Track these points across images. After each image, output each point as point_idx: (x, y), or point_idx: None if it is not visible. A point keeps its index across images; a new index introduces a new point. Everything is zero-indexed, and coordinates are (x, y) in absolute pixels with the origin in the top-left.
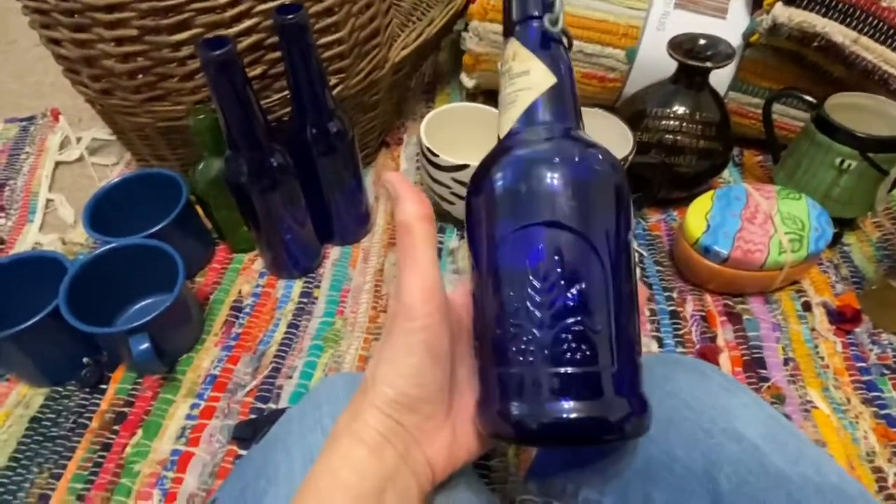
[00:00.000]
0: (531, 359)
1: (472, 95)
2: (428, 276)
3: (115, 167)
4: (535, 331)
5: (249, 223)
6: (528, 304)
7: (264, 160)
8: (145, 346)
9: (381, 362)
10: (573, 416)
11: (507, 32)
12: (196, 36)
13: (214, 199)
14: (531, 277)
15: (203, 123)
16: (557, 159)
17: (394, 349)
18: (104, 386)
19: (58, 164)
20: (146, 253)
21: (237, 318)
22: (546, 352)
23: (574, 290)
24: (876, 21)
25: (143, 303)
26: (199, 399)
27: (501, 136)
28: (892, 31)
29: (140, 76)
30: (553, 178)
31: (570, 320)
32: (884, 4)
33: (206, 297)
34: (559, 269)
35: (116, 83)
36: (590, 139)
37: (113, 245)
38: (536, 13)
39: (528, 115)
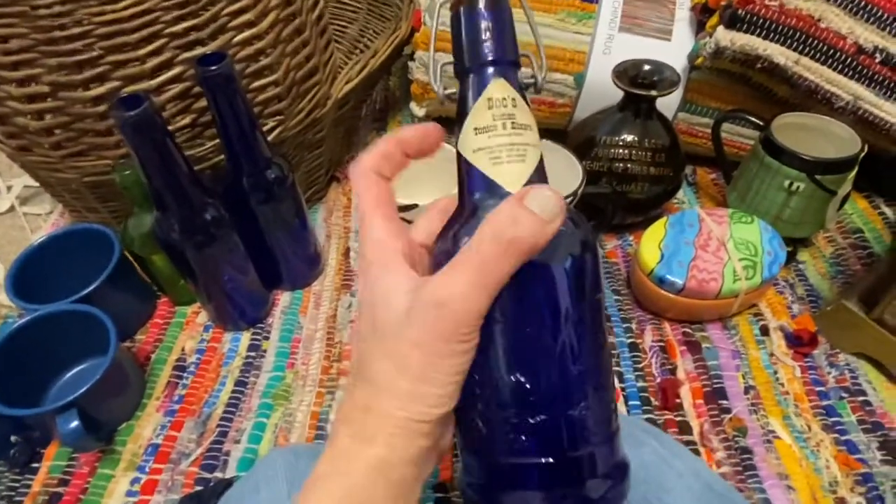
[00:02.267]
0: (510, 447)
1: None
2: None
3: (48, 216)
4: (512, 420)
5: (187, 278)
6: (506, 394)
7: (195, 216)
8: (74, 424)
9: (417, 380)
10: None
11: (487, 68)
12: (114, 90)
13: (149, 254)
14: (503, 367)
15: (130, 178)
16: (593, 245)
17: (441, 369)
18: (36, 465)
19: None
20: (76, 318)
21: (181, 378)
22: (526, 445)
23: (549, 380)
24: (815, 42)
25: (78, 368)
26: (141, 472)
27: (511, 191)
28: (831, 52)
29: (58, 132)
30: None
31: (548, 411)
32: (822, 26)
33: (147, 356)
34: (534, 362)
35: (33, 140)
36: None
37: (38, 313)
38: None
39: (536, 179)
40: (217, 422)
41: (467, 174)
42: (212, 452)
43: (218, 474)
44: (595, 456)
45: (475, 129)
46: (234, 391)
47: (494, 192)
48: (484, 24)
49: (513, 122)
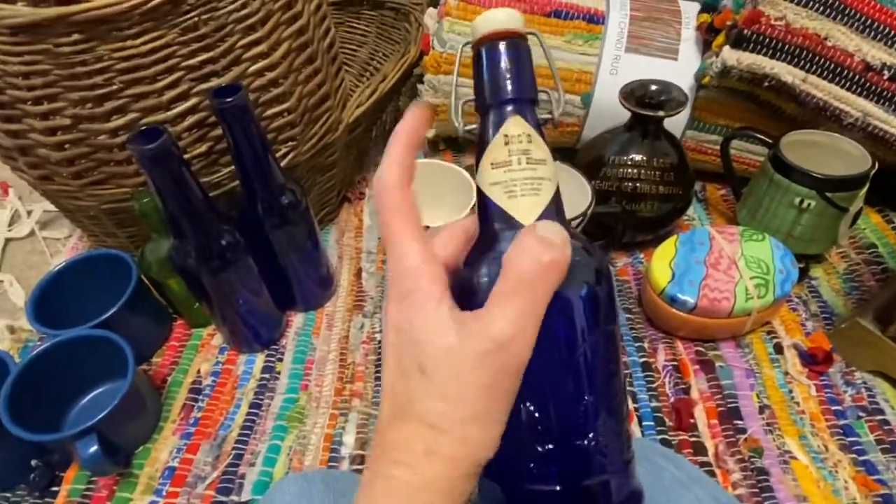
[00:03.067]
0: (521, 475)
1: (433, 143)
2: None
3: (67, 240)
4: (523, 448)
5: (202, 302)
6: (516, 422)
7: (211, 242)
8: (94, 448)
9: (488, 423)
10: None
11: (505, 106)
12: (133, 121)
13: (166, 278)
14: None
15: (148, 206)
16: (608, 275)
17: (503, 408)
18: (56, 488)
19: (7, 240)
20: (95, 343)
21: (196, 400)
22: (535, 472)
23: (560, 409)
24: (822, 60)
25: (96, 392)
26: (158, 496)
27: (524, 223)
28: (838, 69)
29: (78, 162)
30: (610, 289)
31: (558, 440)
32: (829, 44)
33: (163, 379)
34: (546, 391)
35: (54, 170)
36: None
37: (58, 339)
38: (534, 97)
39: (553, 209)
40: (232, 444)
41: (485, 207)
42: (227, 475)
43: (234, 497)
44: (608, 485)
45: (492, 163)
46: (248, 413)
47: (510, 224)
48: (503, 64)
49: (528, 158)
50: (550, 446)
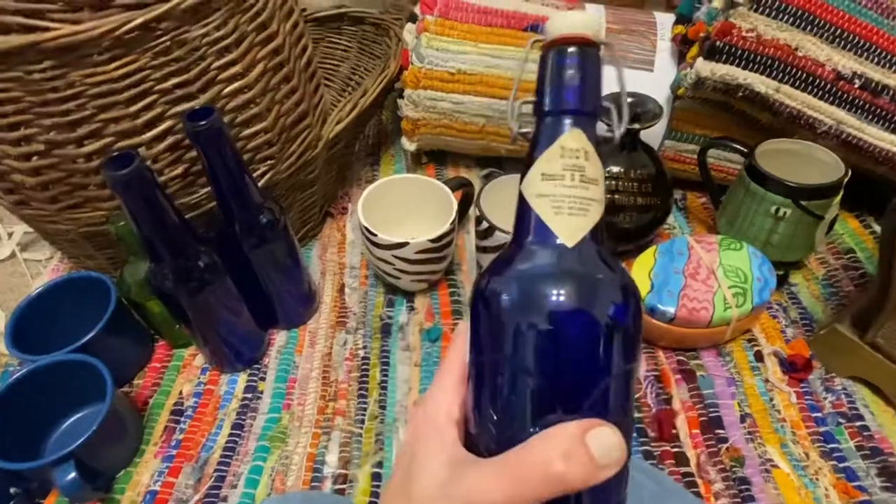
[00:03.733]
0: None
1: (415, 156)
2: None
3: (48, 262)
4: None
5: (182, 324)
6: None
7: (188, 264)
8: (72, 476)
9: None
10: None
11: (566, 116)
12: (107, 145)
13: (146, 300)
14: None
15: (124, 229)
16: (639, 309)
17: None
18: None
19: None
20: (74, 368)
21: (178, 422)
22: None
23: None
24: (794, 70)
25: (76, 417)
26: None
27: (567, 244)
28: (810, 79)
29: (53, 187)
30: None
31: None
32: (800, 54)
33: (145, 401)
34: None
35: (30, 195)
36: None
37: (36, 364)
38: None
39: (595, 232)
40: (214, 466)
41: (526, 217)
42: (209, 498)
43: None
44: None
45: (542, 174)
46: (231, 434)
47: (549, 239)
48: (571, 72)
49: (581, 175)
50: None
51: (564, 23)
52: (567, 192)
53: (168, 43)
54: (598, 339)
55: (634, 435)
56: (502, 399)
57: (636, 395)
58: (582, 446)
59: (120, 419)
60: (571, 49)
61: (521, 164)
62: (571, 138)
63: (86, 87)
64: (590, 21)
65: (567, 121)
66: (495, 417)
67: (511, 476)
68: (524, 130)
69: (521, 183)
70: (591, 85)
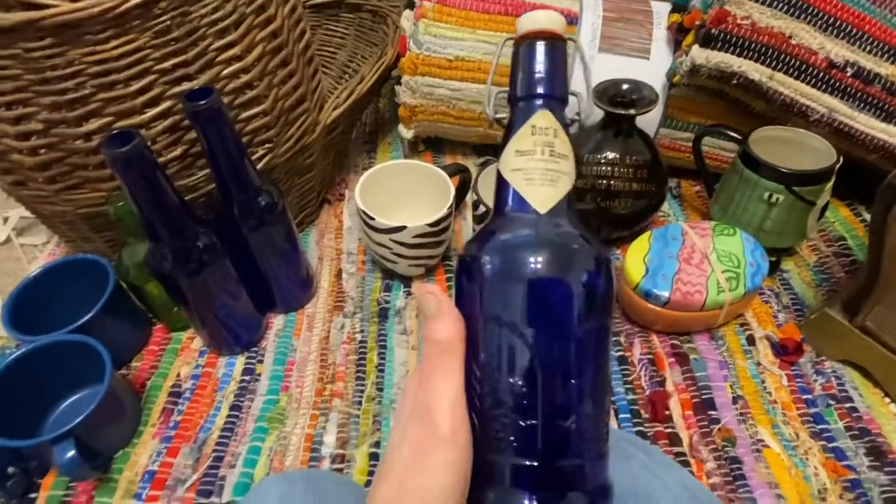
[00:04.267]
0: (500, 446)
1: (413, 143)
2: (461, 400)
3: (45, 246)
4: (510, 425)
5: (181, 305)
6: (504, 396)
7: (188, 245)
8: (71, 453)
9: (421, 496)
10: None
11: (536, 99)
12: (106, 125)
13: (144, 283)
14: (508, 372)
15: (123, 210)
16: (608, 269)
17: (438, 481)
18: (34, 495)
19: None
20: (71, 348)
21: (176, 404)
22: (515, 446)
23: (548, 388)
24: (788, 58)
25: (75, 397)
26: (138, 500)
27: (539, 210)
28: (803, 66)
29: (52, 167)
30: (611, 283)
31: (541, 417)
32: (793, 42)
33: (142, 383)
34: (537, 369)
35: (28, 175)
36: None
37: (34, 345)
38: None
39: (565, 202)
40: (213, 447)
41: (503, 190)
42: (208, 478)
43: (214, 500)
44: (580, 470)
45: (516, 150)
46: (229, 416)
47: (524, 209)
48: (538, 61)
49: (551, 151)
50: (533, 422)
51: (533, 20)
52: (538, 165)
53: (168, 22)
54: (571, 298)
55: (628, 416)
56: (486, 355)
57: (630, 378)
58: (421, 316)
59: (118, 400)
60: (540, 42)
61: None
62: (541, 118)
63: (85, 65)
64: (555, 18)
65: (537, 103)
66: (479, 374)
67: (440, 376)
68: (500, 116)
69: (498, 162)
70: (558, 72)
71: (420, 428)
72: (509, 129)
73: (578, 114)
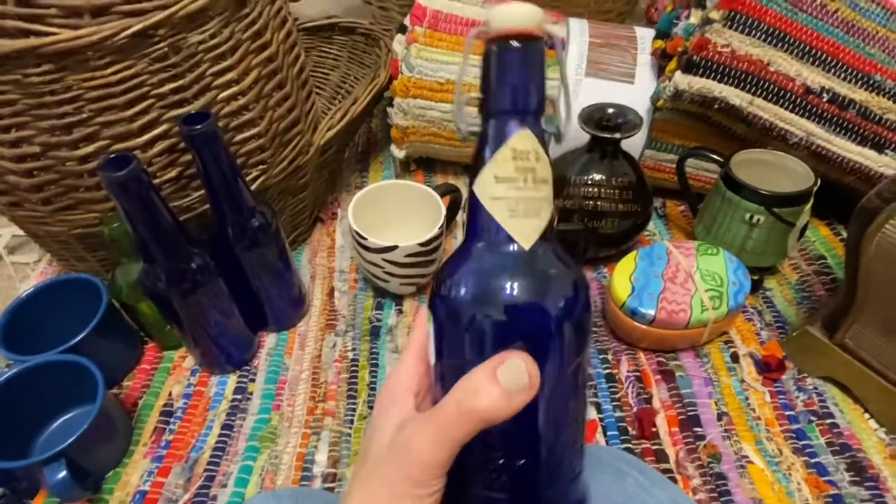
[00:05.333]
0: (476, 481)
1: (404, 164)
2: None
3: (37, 265)
4: (480, 457)
5: (173, 325)
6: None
7: (181, 266)
8: (62, 475)
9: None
10: None
11: (514, 116)
12: (103, 148)
13: (137, 302)
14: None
15: (118, 231)
16: (587, 302)
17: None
18: None
19: None
20: (64, 368)
21: (168, 423)
22: (486, 481)
23: (521, 425)
24: (767, 84)
25: (66, 417)
26: None
27: (524, 245)
28: (781, 93)
29: (47, 189)
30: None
31: (514, 455)
32: (772, 69)
33: (134, 402)
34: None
35: (23, 196)
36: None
37: (26, 365)
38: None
39: (547, 231)
40: (204, 466)
41: (479, 217)
42: (199, 497)
43: None
44: (556, 495)
45: (496, 177)
46: (220, 435)
47: (504, 242)
48: (515, 70)
49: (534, 177)
50: (504, 459)
51: (506, 17)
52: (521, 194)
53: (165, 49)
54: (549, 339)
55: (616, 433)
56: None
57: (617, 395)
58: (492, 383)
59: (110, 419)
60: (515, 45)
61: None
62: (521, 140)
63: (83, 90)
64: (532, 14)
65: (514, 122)
66: None
67: (438, 419)
68: (472, 129)
69: (471, 182)
70: (536, 82)
71: (391, 454)
72: (482, 147)
73: (557, 126)
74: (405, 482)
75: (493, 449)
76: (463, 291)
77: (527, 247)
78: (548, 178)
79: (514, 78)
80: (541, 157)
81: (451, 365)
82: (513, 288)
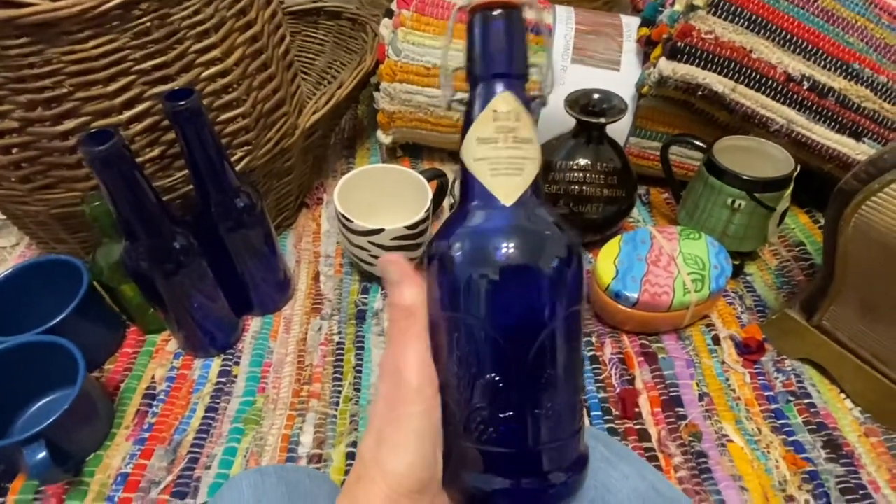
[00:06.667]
0: (479, 436)
1: (391, 149)
2: (427, 359)
3: (14, 248)
4: (487, 416)
5: (156, 306)
6: (478, 388)
7: (164, 245)
8: (42, 455)
9: (389, 449)
10: (518, 489)
11: (496, 80)
12: (84, 124)
13: (119, 284)
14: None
15: (99, 210)
16: (578, 253)
17: (402, 434)
18: (2, 499)
19: None
20: (44, 349)
21: (150, 406)
22: (491, 435)
23: (522, 380)
24: (749, 71)
25: (46, 399)
26: (110, 502)
27: (505, 202)
28: (763, 80)
29: (25, 165)
30: (582, 268)
31: (516, 409)
32: (754, 56)
33: (116, 386)
34: (509, 362)
35: (1, 174)
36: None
37: (5, 345)
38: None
39: (532, 189)
40: (188, 448)
41: (467, 181)
42: (182, 479)
43: (189, 501)
44: (558, 450)
45: (478, 138)
46: (204, 417)
47: (489, 201)
48: (498, 35)
49: (514, 136)
50: (510, 413)
51: None
52: (502, 153)
53: (147, 24)
54: (542, 286)
55: (599, 413)
56: (459, 350)
57: (601, 377)
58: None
59: (91, 402)
60: (496, 12)
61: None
62: (502, 101)
63: (63, 64)
64: None
65: (498, 84)
66: (454, 368)
67: (403, 338)
68: (458, 97)
69: (460, 147)
70: (518, 47)
71: (389, 384)
72: (469, 112)
73: (541, 90)
74: (401, 404)
75: (494, 403)
76: (457, 254)
77: (508, 203)
78: (531, 138)
79: (494, 42)
80: (522, 118)
81: (444, 316)
82: (505, 248)
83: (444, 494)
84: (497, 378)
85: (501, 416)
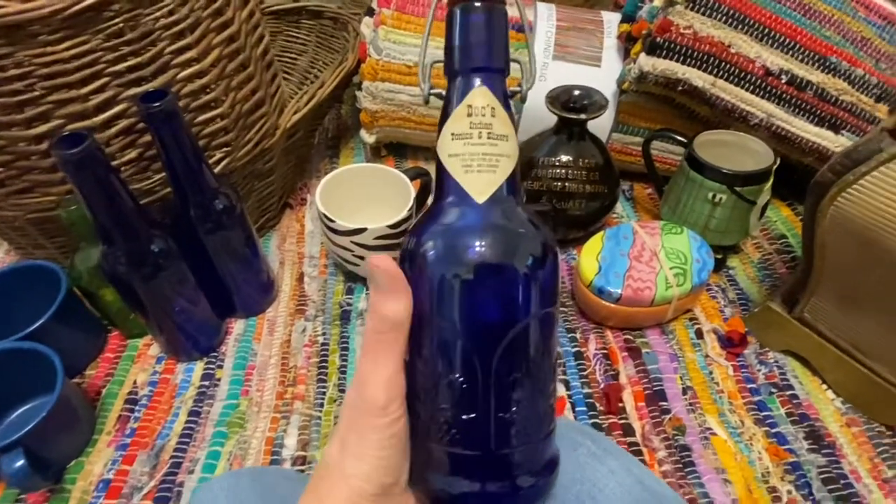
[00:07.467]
0: (444, 437)
1: (375, 149)
2: (399, 373)
3: None
4: (452, 417)
5: (136, 311)
6: (443, 390)
7: (142, 248)
8: (20, 463)
9: (351, 456)
10: (484, 493)
11: (472, 74)
12: (57, 128)
13: (98, 288)
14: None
15: (76, 214)
16: (553, 253)
17: (365, 444)
18: None
19: None
20: (22, 356)
21: (132, 411)
22: (458, 438)
23: (488, 383)
24: (728, 66)
25: (26, 407)
26: None
27: (477, 200)
28: (742, 74)
29: None
30: (556, 269)
31: (482, 412)
32: (732, 51)
33: (97, 391)
34: (476, 364)
35: None
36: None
37: None
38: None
39: (505, 187)
40: (170, 453)
41: (441, 177)
42: (165, 484)
43: None
44: (525, 453)
45: (452, 133)
46: (187, 421)
47: (463, 198)
48: (476, 29)
49: (489, 133)
50: (473, 415)
51: None
52: (476, 149)
53: (120, 25)
54: (513, 287)
55: (584, 409)
56: (427, 350)
57: (585, 373)
58: (371, 291)
59: (71, 408)
60: (476, 5)
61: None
62: (477, 96)
63: (35, 66)
64: None
65: (475, 79)
66: (420, 366)
67: (362, 347)
68: (435, 91)
69: (436, 144)
70: (498, 41)
71: (357, 394)
72: (446, 107)
73: (521, 85)
74: (365, 417)
75: (458, 405)
76: (429, 252)
77: (481, 200)
78: (507, 135)
79: (471, 36)
80: (498, 113)
81: (414, 313)
82: (475, 247)
83: (410, 493)
84: (461, 379)
85: (464, 417)
